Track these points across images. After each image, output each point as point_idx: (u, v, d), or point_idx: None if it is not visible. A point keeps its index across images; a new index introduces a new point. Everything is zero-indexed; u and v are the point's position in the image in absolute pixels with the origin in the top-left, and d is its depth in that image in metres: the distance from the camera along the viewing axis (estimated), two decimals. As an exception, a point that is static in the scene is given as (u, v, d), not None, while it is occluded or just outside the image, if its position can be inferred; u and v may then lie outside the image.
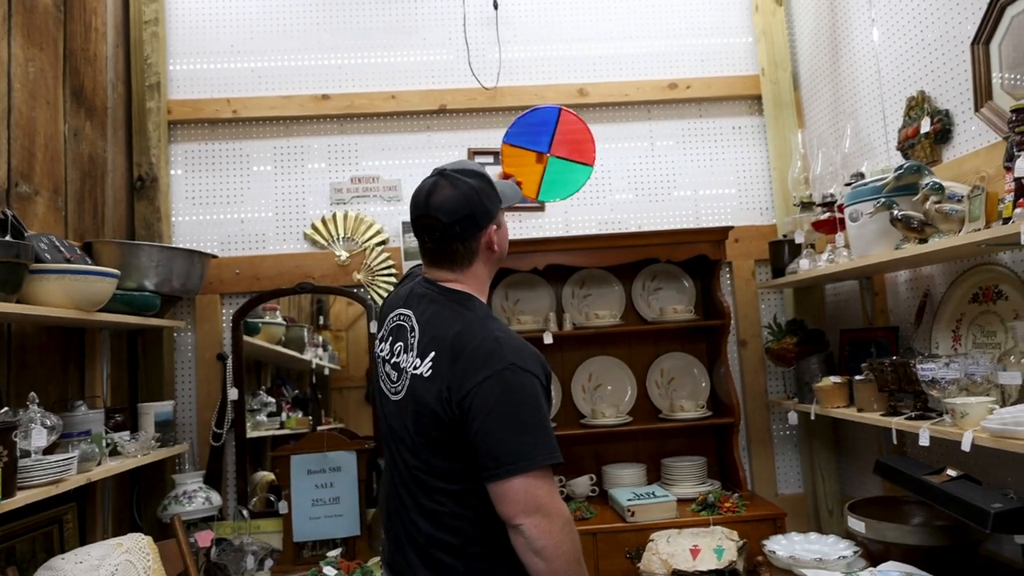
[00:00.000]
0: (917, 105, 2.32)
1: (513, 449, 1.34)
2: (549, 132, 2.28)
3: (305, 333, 3.07)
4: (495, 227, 1.56)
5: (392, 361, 1.54)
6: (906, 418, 2.02)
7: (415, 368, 1.46)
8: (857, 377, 2.29)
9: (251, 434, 2.90)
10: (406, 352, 1.50)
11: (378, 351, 1.61)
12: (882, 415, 2.13)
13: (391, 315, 1.61)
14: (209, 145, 3.02)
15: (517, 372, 1.38)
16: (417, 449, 1.46)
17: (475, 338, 1.41)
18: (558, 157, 2.20)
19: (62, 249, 2.11)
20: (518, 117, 2.23)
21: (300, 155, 3.04)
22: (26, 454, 1.84)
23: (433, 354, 1.43)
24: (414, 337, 1.50)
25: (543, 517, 1.33)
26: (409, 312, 1.55)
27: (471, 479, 1.40)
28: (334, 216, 2.99)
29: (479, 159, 3.00)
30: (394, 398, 1.51)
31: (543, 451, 1.35)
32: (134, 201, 2.87)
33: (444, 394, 1.39)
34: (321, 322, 3.06)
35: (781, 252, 2.79)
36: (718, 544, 2.17)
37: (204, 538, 2.51)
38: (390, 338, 1.57)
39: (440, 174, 1.54)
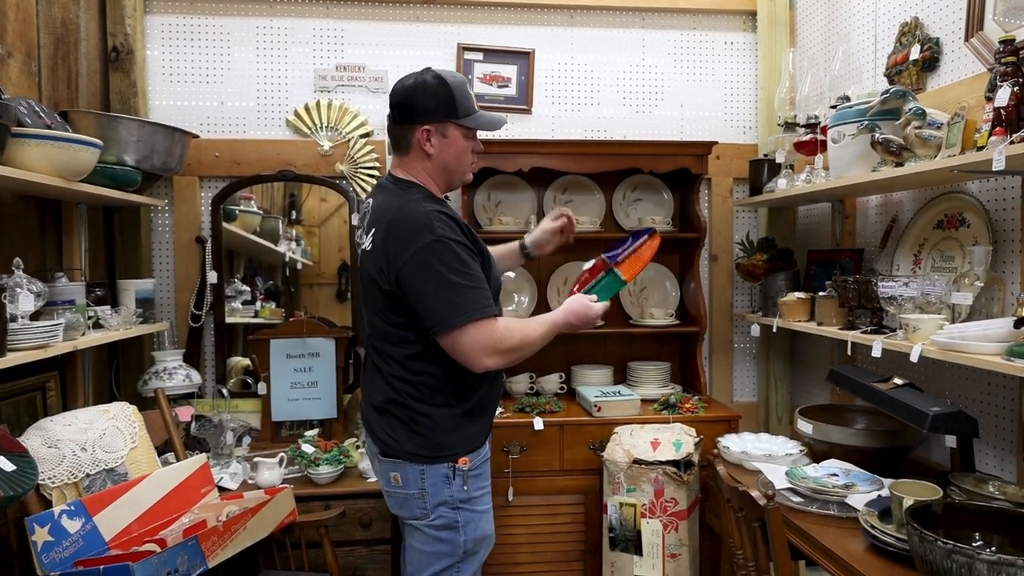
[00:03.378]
0: (909, 31, 2.35)
1: (446, 307, 1.57)
2: (629, 249, 2.27)
3: (280, 225, 3.06)
4: (429, 131, 1.68)
5: (360, 243, 1.78)
6: (862, 332, 2.16)
7: (364, 244, 1.71)
8: (820, 293, 2.42)
9: (229, 320, 2.93)
10: (364, 233, 1.74)
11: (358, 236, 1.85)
12: (840, 329, 2.27)
13: (363, 205, 1.85)
14: (188, 19, 2.88)
15: (442, 242, 1.58)
16: (370, 316, 1.72)
17: (408, 216, 1.61)
18: (617, 271, 2.25)
19: (42, 115, 2.04)
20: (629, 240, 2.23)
21: (284, 37, 2.93)
22: (13, 318, 1.85)
23: (374, 231, 1.67)
24: (367, 219, 1.74)
25: (495, 355, 1.60)
26: (370, 200, 1.78)
27: (411, 343, 1.65)
28: (318, 104, 2.92)
29: (468, 55, 2.94)
30: (359, 271, 1.78)
31: (473, 306, 1.58)
32: (109, 73, 2.75)
33: (382, 264, 1.62)
34: (294, 216, 3.05)
35: (760, 171, 2.85)
36: (677, 439, 2.33)
37: (184, 413, 2.58)
38: (360, 223, 1.82)
39: (425, 69, 1.72)
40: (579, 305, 1.82)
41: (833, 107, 2.39)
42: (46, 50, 2.39)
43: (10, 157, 1.86)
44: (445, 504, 1.70)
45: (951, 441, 1.93)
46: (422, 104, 1.67)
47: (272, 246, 3.02)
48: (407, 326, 1.64)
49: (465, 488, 1.70)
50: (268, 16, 2.92)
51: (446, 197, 1.85)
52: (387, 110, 2.86)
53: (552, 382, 2.87)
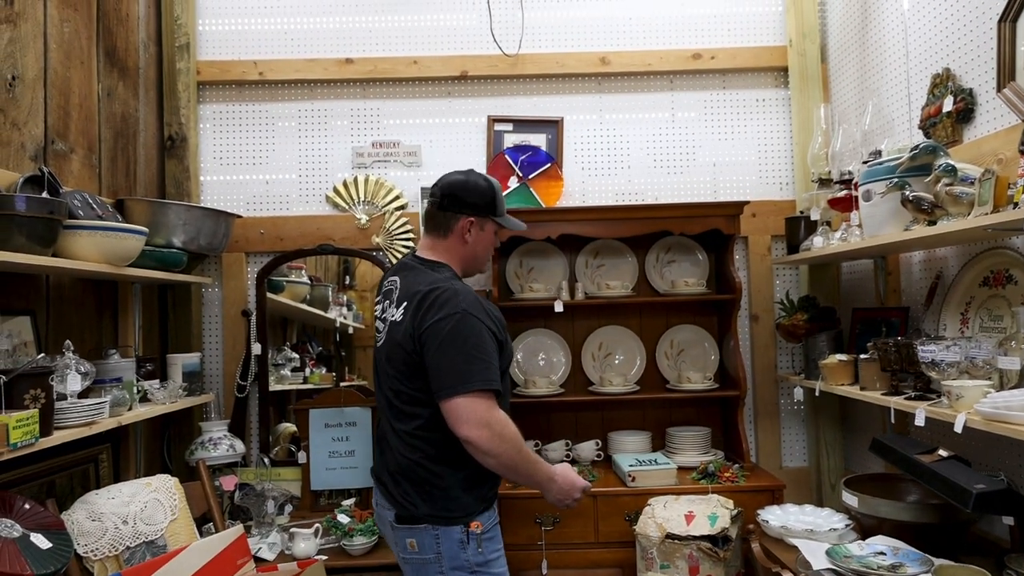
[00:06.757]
0: (942, 83, 2.28)
1: (456, 374, 1.68)
2: (536, 169, 3.01)
3: (329, 292, 3.17)
4: (473, 222, 1.89)
5: (381, 316, 1.94)
6: (906, 398, 2.04)
7: (392, 316, 1.85)
8: (862, 356, 2.31)
9: (275, 387, 3.03)
10: (390, 307, 1.88)
11: (375, 311, 2.02)
12: (883, 394, 2.15)
13: (384, 282, 2.01)
14: (236, 106, 3.09)
15: (467, 316, 1.72)
16: (391, 380, 1.82)
17: (437, 291, 1.76)
18: (529, 188, 3.01)
19: (95, 206, 2.21)
20: (530, 156, 3.00)
21: (324, 118, 3.10)
22: (62, 397, 1.97)
23: (405, 304, 1.81)
24: (395, 295, 1.88)
25: (485, 428, 1.66)
26: (396, 278, 1.94)
27: (431, 405, 1.73)
28: (355, 180, 3.05)
29: (498, 126, 3.03)
30: (378, 344, 1.92)
31: (481, 377, 1.68)
32: (165, 160, 2.97)
33: (409, 331, 1.76)
34: (347, 282, 3.15)
35: (797, 228, 2.78)
36: (713, 511, 2.24)
37: (228, 482, 2.66)
38: (383, 300, 1.96)
39: (469, 170, 1.96)
40: (567, 470, 1.91)
41: (865, 163, 2.33)
42: (106, 143, 2.60)
43: (63, 247, 2.01)
44: (462, 569, 1.74)
45: (1009, 519, 1.78)
46: (472, 199, 1.88)
47: (322, 313, 3.13)
48: (428, 388, 1.74)
49: (480, 551, 1.75)
50: (309, 100, 3.10)
51: None
52: (420, 182, 3.06)
53: (588, 449, 2.81)
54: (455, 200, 1.88)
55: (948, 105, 2.23)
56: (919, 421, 1.91)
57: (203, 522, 2.38)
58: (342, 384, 3.03)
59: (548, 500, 1.88)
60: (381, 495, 1.89)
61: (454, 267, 1.92)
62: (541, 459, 1.84)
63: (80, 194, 2.19)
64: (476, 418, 1.65)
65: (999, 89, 2.00)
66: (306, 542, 2.44)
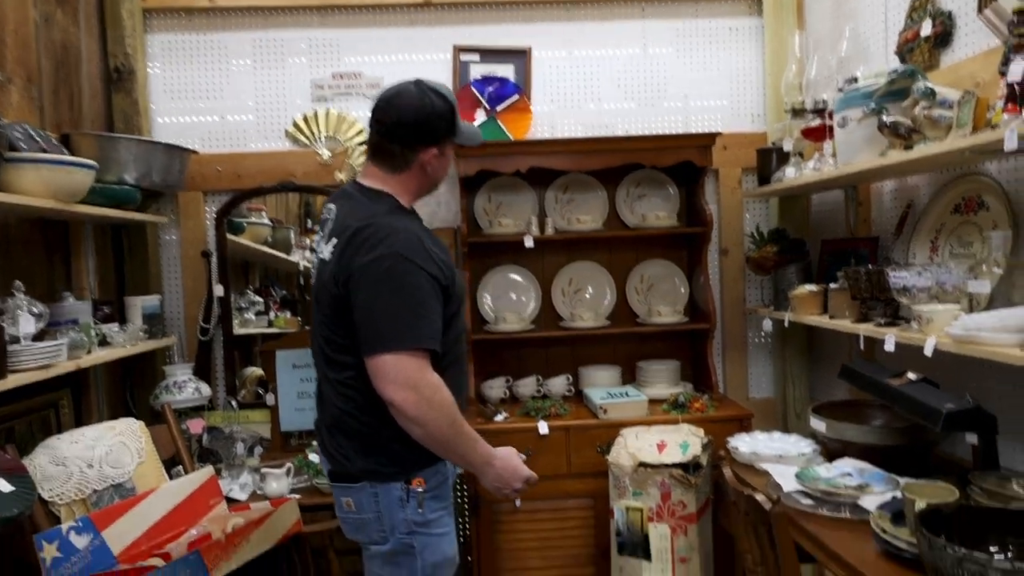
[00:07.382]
0: (921, 5, 2.24)
1: (385, 328, 1.47)
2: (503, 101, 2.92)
3: (292, 235, 3.07)
4: (435, 151, 1.64)
5: (316, 250, 1.70)
6: (875, 325, 2.06)
7: (322, 254, 1.63)
8: (832, 285, 2.33)
9: (239, 331, 2.96)
10: (323, 241, 1.65)
11: (311, 241, 1.78)
12: (853, 322, 2.17)
13: (324, 209, 1.73)
14: (186, 36, 2.91)
15: (403, 261, 1.49)
16: (321, 326, 1.62)
17: (371, 228, 1.52)
18: (497, 120, 2.90)
19: (38, 139, 2.07)
20: (498, 88, 2.90)
21: (280, 49, 2.94)
22: (15, 340, 1.89)
23: (335, 240, 1.57)
24: (329, 228, 1.64)
25: (412, 391, 1.47)
26: (333, 206, 1.69)
27: (359, 354, 1.53)
28: (316, 114, 2.93)
29: (464, 56, 2.91)
30: (313, 283, 1.68)
31: (413, 334, 1.48)
32: (111, 93, 2.79)
33: (334, 271, 1.54)
34: (309, 224, 3.05)
35: (769, 160, 2.75)
36: (684, 440, 2.27)
37: (196, 426, 2.61)
38: (320, 230, 1.71)
39: (415, 82, 1.63)
40: (511, 456, 1.68)
41: (840, 90, 2.29)
42: (47, 74, 2.43)
43: (6, 182, 1.89)
44: (399, 528, 1.60)
45: (972, 438, 1.83)
46: (434, 128, 1.62)
47: (285, 256, 3.04)
48: (357, 336, 1.55)
49: (420, 511, 1.59)
50: (264, 29, 2.93)
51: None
52: (385, 116, 2.92)
53: (559, 384, 2.82)
54: (414, 132, 1.60)
55: (926, 29, 2.19)
56: (889, 347, 1.93)
57: (171, 465, 2.33)
58: (307, 328, 2.96)
59: (484, 485, 1.66)
60: (320, 449, 1.73)
61: (402, 198, 1.66)
62: (480, 438, 1.60)
63: (22, 126, 2.05)
64: (403, 379, 1.46)
65: (980, 10, 1.96)
66: (278, 482, 2.42)
